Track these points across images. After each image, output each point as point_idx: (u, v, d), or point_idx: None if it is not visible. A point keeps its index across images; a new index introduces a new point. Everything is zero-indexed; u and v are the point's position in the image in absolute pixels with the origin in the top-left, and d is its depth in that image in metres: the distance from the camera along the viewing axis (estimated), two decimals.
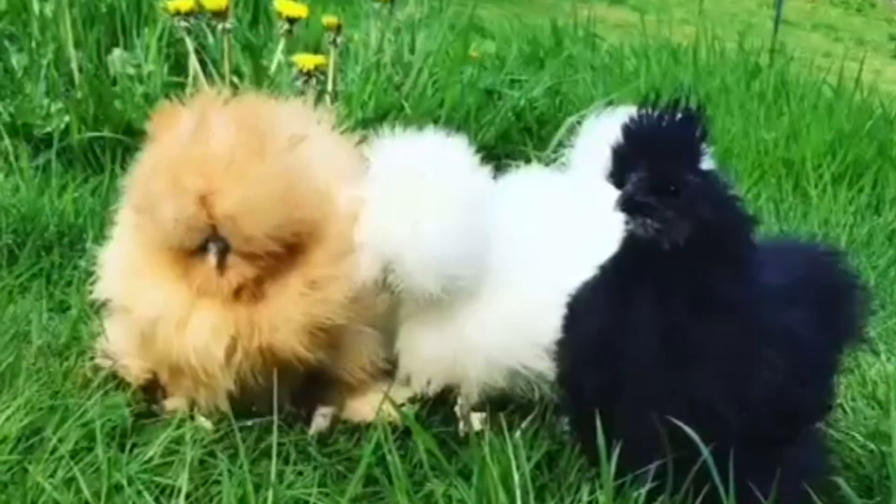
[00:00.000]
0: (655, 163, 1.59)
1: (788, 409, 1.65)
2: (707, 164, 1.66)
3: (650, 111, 1.60)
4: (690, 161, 1.61)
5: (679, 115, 1.59)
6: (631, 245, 1.66)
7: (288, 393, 2.02)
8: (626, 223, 1.63)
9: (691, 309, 1.61)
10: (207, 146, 1.82)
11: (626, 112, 1.72)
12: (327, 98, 3.14)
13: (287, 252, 1.89)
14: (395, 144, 1.97)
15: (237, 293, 1.89)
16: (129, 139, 3.18)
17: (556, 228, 2.00)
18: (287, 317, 1.89)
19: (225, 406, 1.97)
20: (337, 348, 2.01)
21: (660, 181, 1.59)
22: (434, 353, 1.98)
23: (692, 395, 1.61)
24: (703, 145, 1.62)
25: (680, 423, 1.59)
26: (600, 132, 2.13)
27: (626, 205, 1.60)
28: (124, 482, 1.77)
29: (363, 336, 2.05)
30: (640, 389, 1.64)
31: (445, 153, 1.98)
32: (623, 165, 1.61)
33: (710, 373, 1.61)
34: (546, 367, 1.90)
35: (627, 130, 1.61)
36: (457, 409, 2.07)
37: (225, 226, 1.82)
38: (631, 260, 1.67)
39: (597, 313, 1.70)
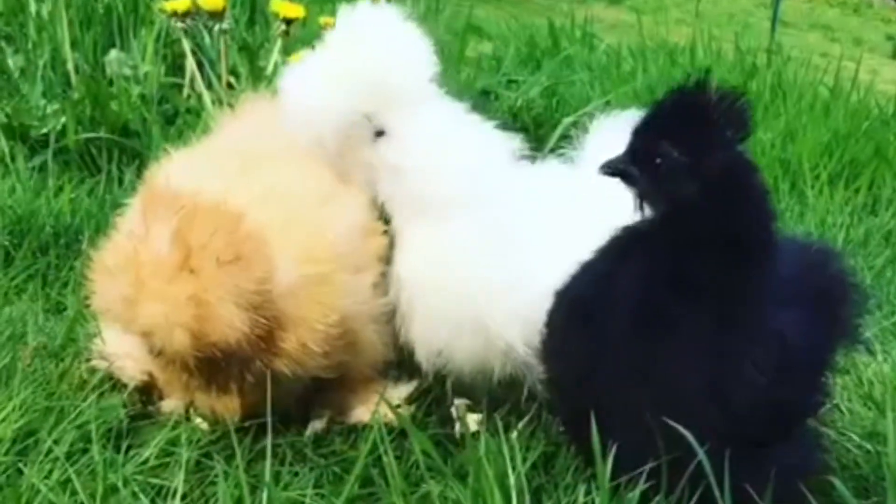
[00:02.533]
0: (642, 135, 1.61)
1: (774, 406, 1.65)
2: (736, 148, 1.63)
3: (676, 89, 1.61)
4: (683, 139, 1.60)
5: (691, 96, 1.59)
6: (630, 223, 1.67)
7: (295, 396, 2.03)
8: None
9: (671, 292, 1.61)
10: (144, 252, 1.78)
11: (630, 114, 1.73)
12: None
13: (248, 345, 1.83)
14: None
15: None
16: (126, 140, 3.19)
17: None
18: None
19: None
20: (354, 350, 2.01)
21: (641, 152, 1.61)
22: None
23: (668, 385, 1.61)
24: (713, 128, 1.60)
25: (662, 419, 1.59)
26: (607, 133, 2.14)
27: (605, 170, 1.64)
28: (120, 483, 1.76)
29: (374, 334, 2.05)
30: (620, 375, 1.64)
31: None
32: (632, 136, 1.64)
33: (688, 365, 1.61)
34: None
35: (656, 102, 1.64)
36: (453, 410, 2.07)
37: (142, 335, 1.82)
38: (620, 236, 1.67)
39: (582, 290, 1.71)
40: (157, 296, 1.75)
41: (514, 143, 2.09)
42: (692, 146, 1.61)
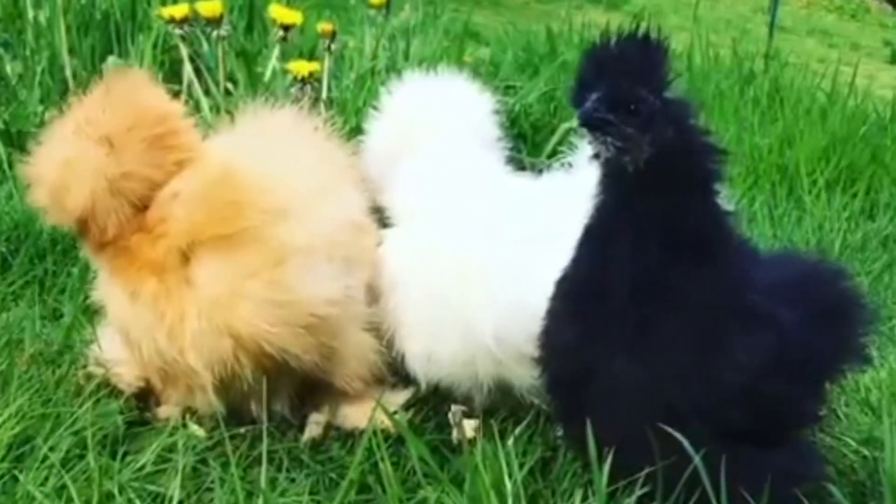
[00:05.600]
0: (614, 82, 1.61)
1: (765, 397, 1.66)
2: (672, 91, 1.67)
3: (613, 37, 1.63)
4: (650, 84, 1.63)
5: (640, 41, 1.62)
6: (603, 187, 1.68)
7: (286, 399, 2.03)
8: (590, 143, 1.65)
9: (665, 251, 1.63)
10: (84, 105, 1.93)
11: None
12: (322, 105, 3.14)
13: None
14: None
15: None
16: None
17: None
18: None
19: (220, 409, 1.98)
20: (334, 357, 2.01)
21: (618, 99, 1.61)
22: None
23: (661, 353, 1.62)
24: (665, 71, 1.64)
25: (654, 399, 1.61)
26: None
27: (586, 121, 1.63)
28: (116, 490, 1.76)
29: (360, 341, 2.06)
30: (614, 345, 1.65)
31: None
32: (583, 87, 1.63)
33: (680, 338, 1.63)
34: None
35: (588, 54, 1.65)
36: (450, 416, 2.07)
37: None
38: (605, 203, 1.67)
39: (576, 262, 1.72)
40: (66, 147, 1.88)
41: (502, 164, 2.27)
42: (660, 89, 1.64)
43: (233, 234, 1.88)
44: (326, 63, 3.25)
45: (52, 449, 1.82)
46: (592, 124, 1.63)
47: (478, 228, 2.03)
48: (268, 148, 2.07)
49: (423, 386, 2.09)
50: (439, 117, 2.24)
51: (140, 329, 1.92)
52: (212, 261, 1.87)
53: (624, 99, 1.61)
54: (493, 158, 2.25)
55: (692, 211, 1.65)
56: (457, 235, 2.04)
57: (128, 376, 2.06)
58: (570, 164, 2.32)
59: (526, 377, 1.94)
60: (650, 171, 1.62)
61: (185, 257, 1.88)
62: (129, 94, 1.93)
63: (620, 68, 1.62)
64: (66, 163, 1.87)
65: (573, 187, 2.08)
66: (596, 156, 1.66)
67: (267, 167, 1.99)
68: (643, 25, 1.64)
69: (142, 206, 1.89)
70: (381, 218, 2.23)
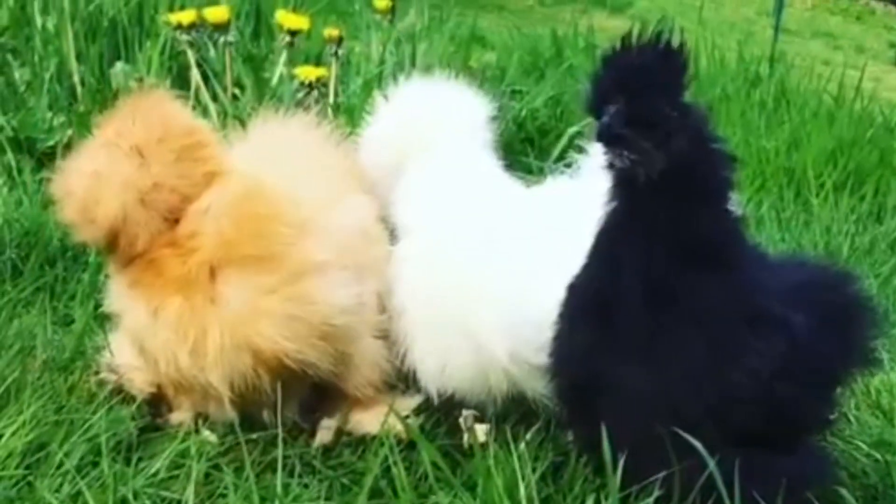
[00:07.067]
0: (634, 96, 1.60)
1: (776, 399, 1.67)
2: (686, 97, 1.67)
3: (632, 43, 1.61)
4: (670, 95, 1.62)
5: (660, 49, 1.61)
6: (614, 194, 1.68)
7: (297, 404, 2.03)
8: (605, 154, 1.65)
9: (676, 258, 1.63)
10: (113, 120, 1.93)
11: None
12: (329, 110, 3.15)
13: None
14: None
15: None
16: None
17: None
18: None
19: (232, 416, 1.98)
20: (346, 362, 2.02)
21: (637, 114, 1.60)
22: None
23: (673, 358, 1.63)
24: (684, 79, 1.64)
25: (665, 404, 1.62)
26: None
27: (604, 136, 1.63)
28: (130, 496, 1.77)
29: (373, 348, 2.06)
30: (626, 351, 1.65)
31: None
32: (602, 97, 1.63)
33: (692, 344, 1.63)
34: None
35: (607, 62, 1.63)
36: (461, 420, 2.07)
37: None
38: (616, 210, 1.68)
39: (588, 269, 1.72)
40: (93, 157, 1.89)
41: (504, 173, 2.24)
42: (678, 99, 1.64)
43: (264, 252, 1.88)
44: (333, 68, 3.26)
45: (66, 455, 1.82)
46: (610, 140, 1.63)
47: (482, 241, 2.01)
48: (284, 160, 2.08)
49: (435, 398, 2.09)
50: (437, 122, 2.22)
51: (159, 344, 1.91)
52: (235, 278, 1.87)
53: (643, 113, 1.61)
54: (493, 163, 2.23)
55: (703, 218, 1.65)
56: (462, 250, 2.02)
57: (139, 382, 2.06)
58: (577, 168, 2.32)
59: (539, 387, 1.94)
60: (662, 179, 1.63)
61: (213, 273, 1.88)
62: (157, 107, 1.93)
63: (640, 80, 1.61)
64: (96, 175, 1.86)
65: (579, 192, 2.09)
66: (609, 166, 1.66)
67: (287, 181, 1.99)
68: (660, 30, 1.62)
69: (172, 220, 1.89)
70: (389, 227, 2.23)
